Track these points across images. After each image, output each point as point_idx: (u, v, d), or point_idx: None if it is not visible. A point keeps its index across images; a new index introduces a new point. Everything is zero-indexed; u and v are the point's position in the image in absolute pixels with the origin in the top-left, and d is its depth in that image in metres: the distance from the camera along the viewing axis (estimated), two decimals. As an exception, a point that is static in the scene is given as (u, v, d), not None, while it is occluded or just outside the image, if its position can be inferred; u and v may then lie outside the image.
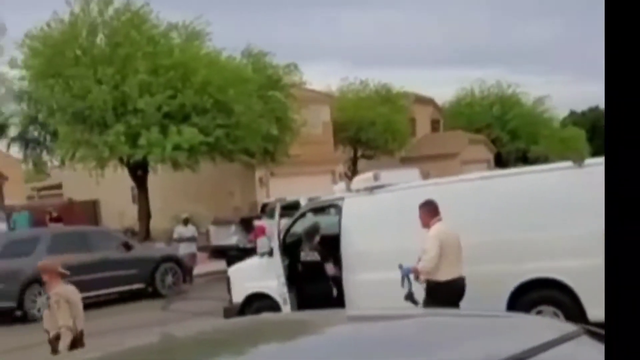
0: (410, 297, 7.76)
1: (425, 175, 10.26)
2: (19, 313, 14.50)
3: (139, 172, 24.65)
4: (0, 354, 11.46)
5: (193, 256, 18.26)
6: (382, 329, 2.85)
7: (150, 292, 16.11)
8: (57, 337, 6.98)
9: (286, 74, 27.21)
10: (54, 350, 7.02)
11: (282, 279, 9.48)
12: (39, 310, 14.41)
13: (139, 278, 16.01)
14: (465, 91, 47.95)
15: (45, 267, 7.54)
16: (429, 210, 7.78)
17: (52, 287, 7.23)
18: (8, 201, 28.38)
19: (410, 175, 10.22)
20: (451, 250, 7.65)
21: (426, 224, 7.77)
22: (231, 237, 19.02)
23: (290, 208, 12.56)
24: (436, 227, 7.69)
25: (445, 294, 7.44)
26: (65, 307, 7.01)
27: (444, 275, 7.59)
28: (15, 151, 30.31)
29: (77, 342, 7.06)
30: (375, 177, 9.36)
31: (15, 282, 14.28)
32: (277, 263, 9.57)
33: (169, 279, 16.47)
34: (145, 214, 24.91)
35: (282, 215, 10.12)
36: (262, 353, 2.69)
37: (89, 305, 15.08)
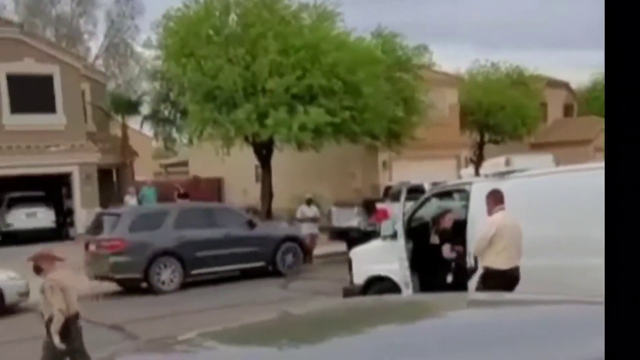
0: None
1: (559, 162, 9.81)
2: (144, 285, 15.10)
3: (263, 151, 25.07)
4: (125, 324, 11.92)
5: (314, 237, 18.39)
6: (503, 314, 2.75)
7: (270, 271, 16.34)
8: (51, 320, 7.37)
9: (415, 55, 26.83)
10: (48, 333, 7.41)
11: (405, 263, 9.37)
12: (163, 283, 15.00)
13: (261, 256, 16.27)
14: (602, 75, 45.60)
15: (41, 255, 7.94)
16: (494, 199, 8.11)
17: (48, 272, 7.64)
18: (137, 177, 29.67)
19: (543, 161, 9.85)
20: (508, 240, 7.86)
21: (489, 212, 8.09)
22: (353, 219, 18.99)
23: (414, 192, 12.34)
24: (496, 216, 7.98)
25: (498, 282, 7.57)
26: (58, 292, 7.41)
27: (500, 263, 7.84)
28: (147, 129, 31.61)
29: (70, 324, 7.49)
30: (507, 162, 9.08)
31: (142, 255, 14.85)
32: (400, 246, 9.45)
33: (290, 258, 16.65)
34: (267, 193, 25.33)
35: (406, 199, 9.96)
36: (380, 332, 2.70)
37: (211, 281, 15.65)
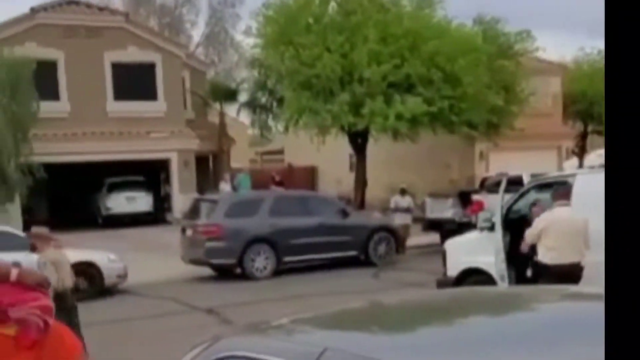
0: None
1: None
2: (238, 270, 15.39)
3: (358, 140, 25.04)
4: (220, 309, 12.18)
5: (407, 227, 18.24)
6: (598, 308, 2.65)
7: (362, 260, 16.34)
8: None
9: (518, 41, 26.08)
10: None
11: (502, 255, 9.18)
12: (256, 269, 15.24)
13: (353, 245, 16.28)
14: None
15: (37, 234, 8.93)
16: (557, 195, 8.29)
17: (43, 250, 8.52)
18: (233, 164, 30.25)
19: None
20: (560, 236, 7.82)
21: (549, 208, 8.28)
22: (447, 210, 18.72)
23: (512, 184, 12.02)
24: (553, 210, 8.12)
25: (547, 277, 7.64)
26: (51, 268, 8.16)
27: (548, 259, 7.86)
28: (244, 116, 32.16)
29: (64, 298, 8.23)
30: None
31: (237, 241, 15.12)
32: (497, 239, 9.26)
33: (382, 248, 16.59)
34: (361, 182, 25.31)
35: (504, 191, 9.73)
36: (474, 323, 2.70)
37: (304, 269, 15.80)
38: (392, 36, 21.78)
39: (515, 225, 9.63)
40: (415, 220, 19.19)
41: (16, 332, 2.83)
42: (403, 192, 18.79)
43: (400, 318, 3.00)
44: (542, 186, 10.78)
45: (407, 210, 18.39)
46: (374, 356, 2.20)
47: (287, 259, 15.61)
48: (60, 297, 7.99)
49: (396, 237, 16.95)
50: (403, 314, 3.07)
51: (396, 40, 21.65)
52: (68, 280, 8.54)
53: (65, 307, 8.12)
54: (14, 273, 2.86)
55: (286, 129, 27.65)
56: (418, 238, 19.04)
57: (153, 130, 26.42)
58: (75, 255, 13.59)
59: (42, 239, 8.78)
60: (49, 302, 2.93)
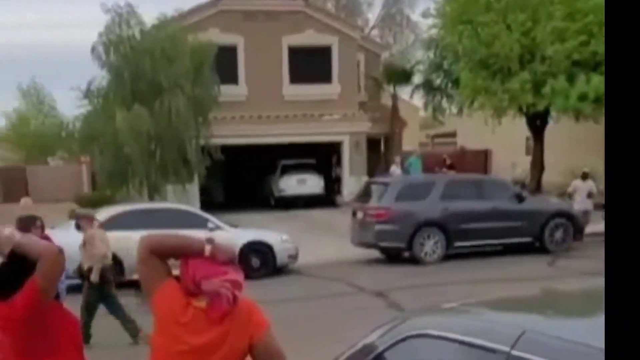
0: None
1: None
2: (407, 254, 15.32)
3: (537, 122, 24.16)
4: (388, 292, 12.17)
5: (587, 213, 17.32)
6: None
7: (536, 247, 15.73)
8: (90, 270, 9.05)
9: None
10: (88, 280, 9.08)
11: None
12: (425, 253, 15.09)
13: (528, 231, 15.72)
14: None
15: (82, 214, 10.10)
16: None
17: (87, 230, 9.38)
18: (404, 147, 30.14)
19: None
20: None
21: None
22: (632, 196, 17.50)
23: None
24: None
25: None
26: (98, 242, 9.15)
27: None
28: (416, 99, 31.97)
29: (105, 272, 9.18)
30: None
31: (407, 224, 15.07)
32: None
33: (559, 235, 15.88)
34: (538, 166, 24.44)
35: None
36: None
37: (474, 254, 15.46)
38: (579, 12, 20.71)
39: None
40: (597, 206, 18.14)
41: (207, 305, 2.96)
42: (585, 176, 17.89)
43: (575, 306, 2.99)
44: None
45: (588, 195, 17.50)
46: (577, 339, 2.21)
47: (458, 244, 15.35)
48: (104, 273, 9.14)
49: (574, 224, 16.17)
50: (579, 302, 3.05)
51: (584, 16, 20.56)
52: (109, 258, 9.47)
53: (106, 281, 9.20)
54: (207, 248, 2.99)
55: (460, 110, 27.20)
56: (599, 225, 17.98)
57: (326, 113, 26.87)
58: (249, 234, 14.23)
59: (87, 219, 9.71)
60: (239, 277, 3.05)
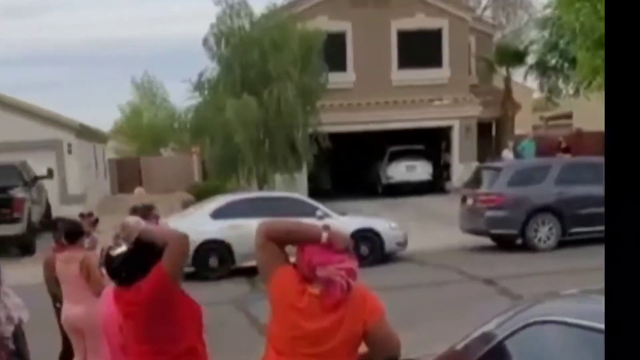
0: None
1: None
2: (519, 241, 15.07)
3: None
4: (498, 280, 12.07)
5: None
6: None
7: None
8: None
9: None
10: None
11: None
12: (539, 240, 14.80)
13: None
14: None
15: (141, 207, 9.59)
16: None
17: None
18: (516, 130, 29.51)
19: None
20: None
21: None
22: None
23: None
24: None
25: None
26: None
27: None
28: (529, 80, 31.20)
29: None
30: None
31: (520, 210, 14.80)
32: None
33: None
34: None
35: None
36: None
37: (591, 240, 14.96)
38: None
39: None
40: None
41: (321, 292, 3.05)
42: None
43: None
44: None
45: None
46: None
47: (574, 230, 14.95)
48: None
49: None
50: None
51: None
52: None
53: None
54: (324, 235, 3.07)
55: (577, 91, 26.38)
56: None
57: (436, 98, 26.69)
58: (357, 222, 14.41)
59: (147, 211, 10.08)
60: (354, 265, 3.11)
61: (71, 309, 6.63)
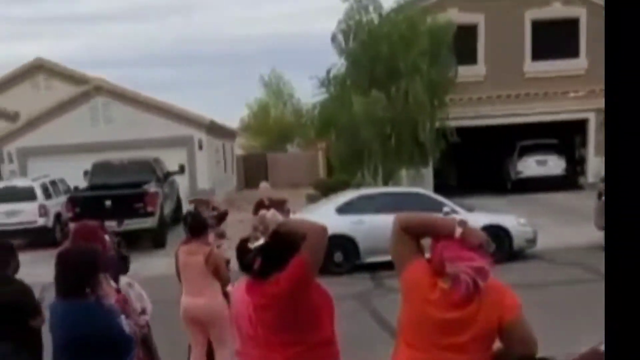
0: None
1: None
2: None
3: None
4: None
5: None
6: None
7: None
8: None
9: None
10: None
11: None
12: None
13: None
14: None
15: (198, 200, 10.60)
16: None
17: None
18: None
19: None
20: None
21: None
22: None
23: None
24: None
25: None
26: None
27: None
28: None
29: None
30: None
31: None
32: None
33: None
34: None
35: None
36: None
37: None
38: None
39: None
40: None
41: (449, 287, 3.10)
42: None
43: None
44: None
45: None
46: None
47: None
48: None
49: None
50: None
51: None
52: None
53: None
54: (458, 230, 3.14)
55: None
56: None
57: (571, 90, 25.98)
58: (485, 218, 14.30)
59: (202, 203, 10.34)
60: (485, 264, 3.13)
61: (192, 301, 6.88)
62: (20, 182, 21.69)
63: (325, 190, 23.48)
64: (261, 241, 3.65)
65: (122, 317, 4.20)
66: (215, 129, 28.84)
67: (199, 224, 7.00)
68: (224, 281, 6.74)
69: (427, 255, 3.29)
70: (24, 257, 6.14)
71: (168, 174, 22.17)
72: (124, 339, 4.07)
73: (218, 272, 6.78)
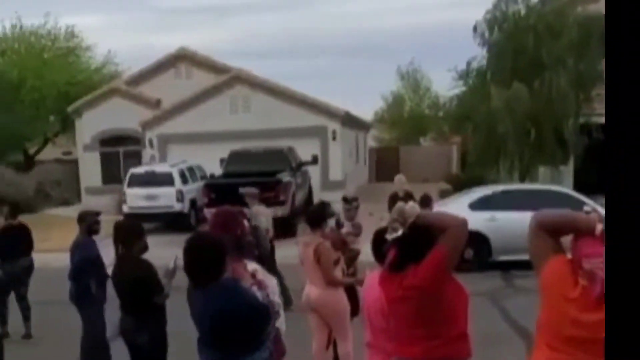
0: None
1: None
2: None
3: None
4: None
5: None
6: None
7: None
8: None
9: None
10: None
11: None
12: None
13: None
14: None
15: (247, 193, 11.63)
16: None
17: (252, 206, 11.24)
18: None
19: None
20: None
21: None
22: None
23: None
24: None
25: None
26: (262, 218, 11.14)
27: None
28: None
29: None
30: None
31: None
32: None
33: None
34: None
35: None
36: None
37: None
38: None
39: None
40: None
41: (588, 284, 3.07)
42: None
43: None
44: None
45: None
46: None
47: None
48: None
49: None
50: None
51: None
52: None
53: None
54: (599, 227, 3.09)
55: None
56: None
57: None
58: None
59: (251, 197, 11.49)
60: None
61: (309, 289, 7.18)
62: (159, 168, 22.75)
63: (459, 185, 23.22)
64: (399, 232, 3.69)
65: (254, 288, 4.38)
66: (349, 121, 29.06)
67: (315, 216, 7.27)
68: (323, 274, 6.95)
69: (569, 255, 3.26)
70: (159, 239, 6.49)
71: (301, 164, 22.57)
72: (262, 307, 4.20)
73: (319, 264, 6.98)
